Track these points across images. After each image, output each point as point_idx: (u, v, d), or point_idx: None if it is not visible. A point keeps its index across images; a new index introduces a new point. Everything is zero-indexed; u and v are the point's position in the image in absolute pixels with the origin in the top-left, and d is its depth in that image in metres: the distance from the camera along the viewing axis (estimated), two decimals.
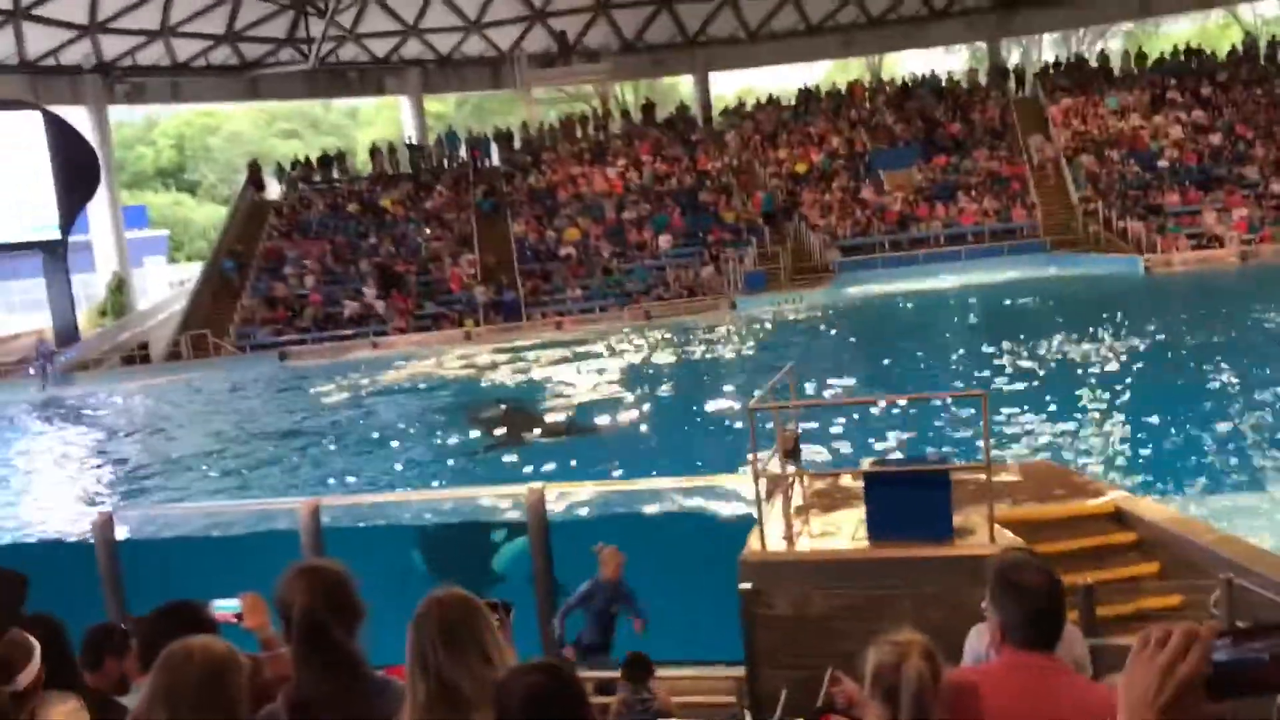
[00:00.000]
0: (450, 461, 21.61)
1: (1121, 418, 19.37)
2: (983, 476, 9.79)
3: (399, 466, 21.53)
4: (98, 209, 47.89)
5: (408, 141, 54.57)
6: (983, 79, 54.78)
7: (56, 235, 43.96)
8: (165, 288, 61.04)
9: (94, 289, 51.03)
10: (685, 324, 36.94)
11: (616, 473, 18.10)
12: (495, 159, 52.48)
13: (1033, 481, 11.92)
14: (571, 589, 10.88)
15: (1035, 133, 48.08)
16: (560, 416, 24.74)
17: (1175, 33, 71.11)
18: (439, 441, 23.58)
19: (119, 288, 48.53)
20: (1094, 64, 54.36)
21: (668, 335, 35.18)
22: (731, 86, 67.34)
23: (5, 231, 43.52)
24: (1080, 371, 23.27)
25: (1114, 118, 47.98)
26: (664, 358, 31.66)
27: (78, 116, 47.26)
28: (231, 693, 3.19)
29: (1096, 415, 19.57)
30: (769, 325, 35.68)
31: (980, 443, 10.06)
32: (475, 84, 60.79)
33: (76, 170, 44.10)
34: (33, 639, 4.18)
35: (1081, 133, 47.52)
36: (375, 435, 24.99)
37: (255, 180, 50.93)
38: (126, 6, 47.64)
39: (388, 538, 15.30)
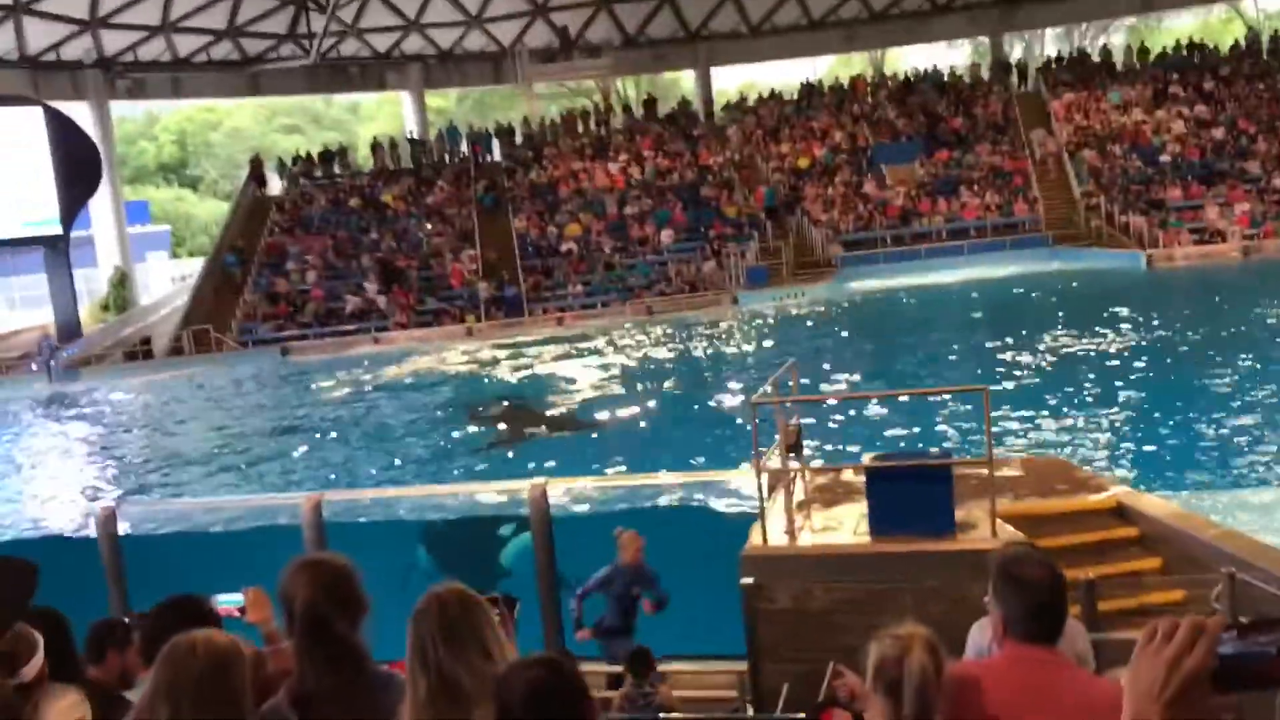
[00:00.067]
0: (453, 457, 21.61)
1: (1123, 413, 19.37)
2: (984, 471, 9.79)
3: (400, 462, 21.54)
4: (99, 204, 47.91)
5: (409, 137, 54.55)
6: (985, 73, 54.73)
7: (58, 230, 43.93)
8: (167, 283, 61.08)
9: (96, 284, 51.05)
10: (687, 319, 36.95)
11: (619, 468, 18.12)
12: (497, 154, 52.45)
13: (1034, 476, 11.91)
14: (575, 583, 10.89)
15: (1037, 127, 48.05)
16: (562, 412, 24.76)
17: (1178, 27, 71.10)
18: (441, 437, 23.59)
19: (121, 283, 48.55)
20: (1096, 58, 54.30)
21: (669, 330, 35.19)
22: (733, 81, 67.50)
23: (7, 227, 43.48)
24: (1082, 366, 23.27)
25: (1116, 112, 47.95)
26: (666, 353, 31.67)
27: (79, 112, 47.27)
28: (235, 686, 3.19)
29: (1098, 410, 19.56)
30: (771, 320, 35.67)
31: (982, 437, 10.06)
32: (476, 79, 60.72)
33: (78, 165, 44.07)
34: (36, 633, 4.19)
35: (1084, 127, 47.49)
36: (377, 431, 25.01)
37: (257, 176, 50.93)
38: (127, 2, 47.65)
39: (391, 533, 15.31)
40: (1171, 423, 18.61)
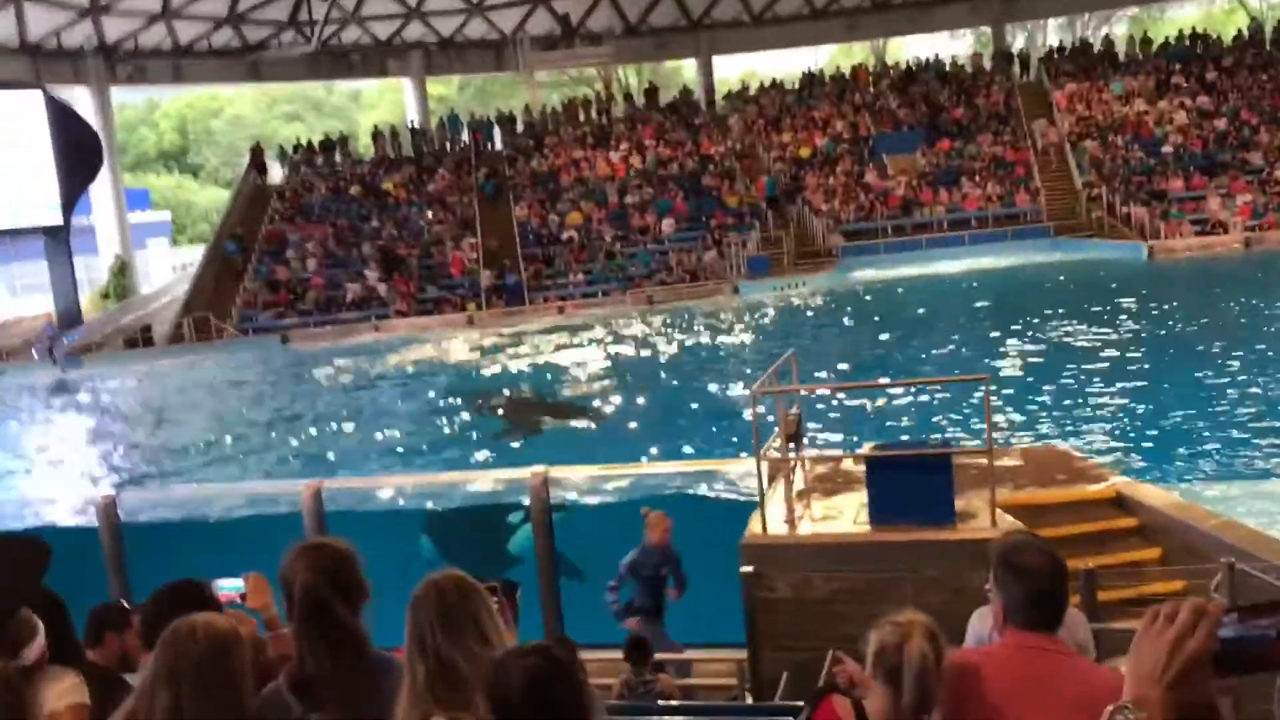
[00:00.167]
0: (454, 446, 21.63)
1: (1124, 403, 19.38)
2: (984, 461, 9.80)
3: (402, 450, 21.57)
4: (100, 192, 47.93)
5: (410, 125, 54.52)
6: (987, 63, 54.65)
7: (58, 218, 43.94)
8: (168, 271, 61.19)
9: (96, 272, 51.10)
10: (688, 309, 36.93)
11: (619, 457, 18.12)
12: (498, 142, 52.43)
13: (1035, 466, 11.92)
14: (580, 569, 10.90)
15: (1039, 117, 48.01)
16: (563, 401, 24.77)
17: (1180, 17, 71.06)
18: (443, 426, 23.60)
19: (121, 271, 48.58)
20: (1099, 49, 54.16)
21: (670, 320, 35.18)
22: (735, 70, 67.34)
23: (7, 214, 43.48)
24: (1082, 357, 23.25)
25: (1118, 103, 47.91)
26: (666, 343, 31.67)
27: (80, 98, 47.29)
28: (235, 670, 3.20)
29: (1099, 400, 19.58)
30: (772, 310, 35.67)
31: (982, 427, 10.06)
32: (478, 67, 60.69)
33: (78, 152, 44.07)
34: (36, 616, 4.20)
35: (1086, 118, 47.46)
36: (378, 419, 25.01)
37: (258, 163, 50.95)
38: None
39: (393, 521, 15.34)
40: (1172, 413, 18.62)
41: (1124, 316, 27.70)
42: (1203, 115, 46.22)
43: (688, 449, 18.03)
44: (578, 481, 14.29)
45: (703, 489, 14.13)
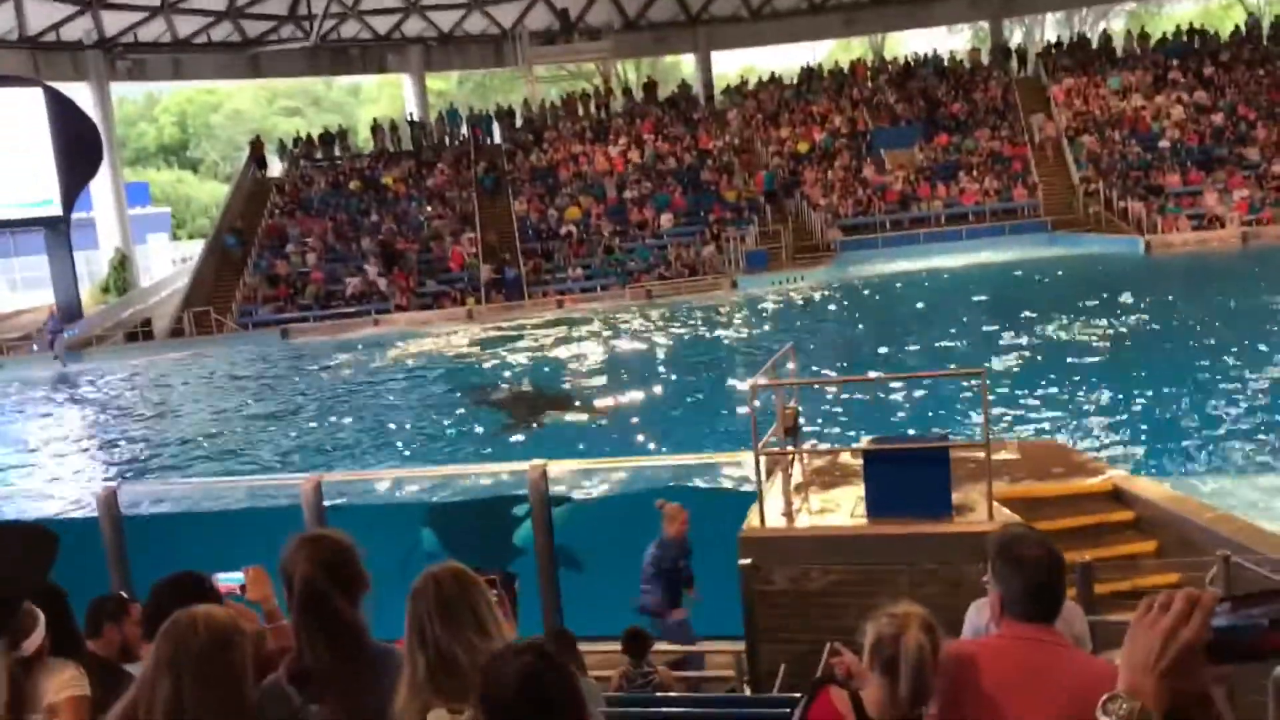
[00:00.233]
0: (454, 439, 21.65)
1: (1120, 397, 19.41)
2: (982, 454, 9.81)
3: (402, 444, 21.58)
4: (100, 186, 47.86)
5: (409, 119, 54.46)
6: (985, 58, 54.63)
7: (59, 212, 43.89)
8: (168, 265, 61.15)
9: (97, 266, 51.08)
10: (686, 303, 36.95)
11: (618, 450, 18.14)
12: (497, 137, 52.39)
13: (1032, 460, 11.95)
14: (580, 561, 10.89)
15: (1037, 112, 47.99)
16: (562, 395, 24.77)
17: (1178, 13, 71.12)
18: (442, 419, 23.63)
19: (122, 264, 48.54)
20: (1096, 44, 54.15)
21: (668, 314, 35.18)
22: (733, 65, 67.37)
23: (7, 208, 43.48)
24: (1079, 351, 23.29)
25: (1116, 98, 47.88)
26: (665, 337, 31.66)
27: (80, 93, 47.20)
28: (235, 661, 3.21)
29: (1096, 394, 19.61)
30: (770, 304, 35.66)
31: (980, 420, 10.08)
32: (477, 62, 60.61)
33: (79, 147, 44.01)
34: (36, 608, 4.21)
35: (1083, 113, 47.45)
36: (378, 413, 25.03)
37: (257, 158, 50.94)
38: None
39: (393, 514, 15.35)
40: (1168, 407, 18.66)
41: (1121, 311, 27.72)
42: (1200, 110, 46.23)
43: (686, 442, 18.03)
44: (577, 475, 14.31)
45: (701, 482, 14.14)
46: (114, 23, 48.59)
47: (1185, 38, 52.46)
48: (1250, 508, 12.12)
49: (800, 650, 8.74)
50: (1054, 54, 53.57)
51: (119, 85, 53.11)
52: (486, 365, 30.10)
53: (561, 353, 29.96)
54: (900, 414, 18.89)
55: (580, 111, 53.73)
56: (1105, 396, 19.47)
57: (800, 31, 58.01)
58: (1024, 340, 24.84)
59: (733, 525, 10.08)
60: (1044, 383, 20.48)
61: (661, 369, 26.87)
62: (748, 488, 11.18)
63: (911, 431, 16.79)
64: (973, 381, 14.62)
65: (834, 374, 22.38)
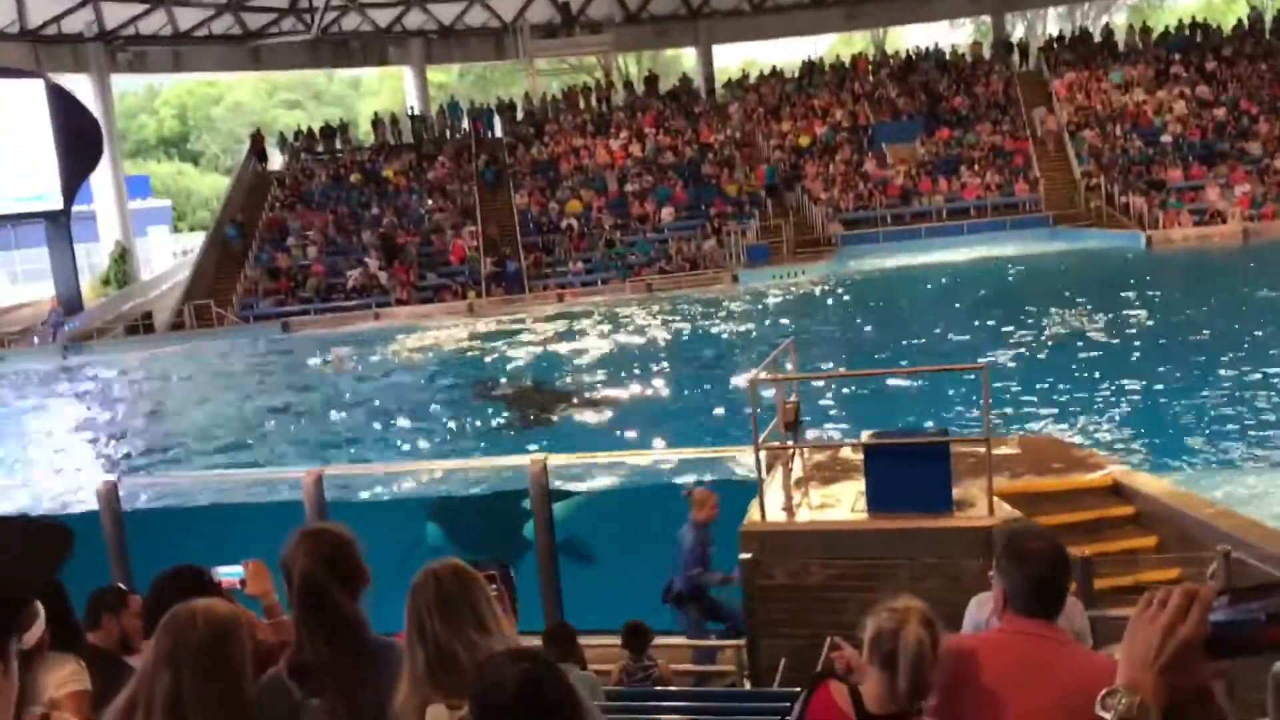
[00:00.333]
0: (453, 432, 21.66)
1: (1121, 392, 19.41)
2: (982, 449, 9.82)
3: (402, 437, 21.59)
4: (100, 178, 47.81)
5: (410, 112, 54.41)
6: (987, 53, 54.53)
7: (59, 205, 43.93)
8: (168, 258, 61.13)
9: (97, 258, 51.07)
10: (687, 297, 36.94)
11: (618, 444, 18.15)
12: (498, 130, 52.33)
13: (1032, 455, 11.96)
14: (589, 555, 10.86)
15: (1039, 107, 47.94)
16: (562, 389, 24.78)
17: (1180, 7, 70.97)
18: (444, 413, 23.66)
19: (122, 257, 48.52)
20: (1098, 38, 54.09)
21: (669, 308, 35.18)
22: (735, 59, 67.17)
23: (8, 201, 43.49)
24: (1080, 346, 23.30)
25: (1117, 92, 47.84)
26: (665, 331, 31.67)
27: (80, 85, 47.18)
28: (235, 655, 3.21)
29: (1096, 390, 19.62)
30: (771, 298, 35.65)
31: (980, 415, 10.09)
32: (478, 55, 60.58)
33: (79, 139, 44.03)
34: (36, 601, 4.21)
35: (1085, 107, 47.39)
36: (379, 406, 25.03)
37: (258, 150, 50.90)
38: None
39: (394, 507, 15.37)
40: (1169, 402, 18.67)
41: (1122, 306, 27.70)
42: (1202, 105, 46.19)
43: (686, 437, 18.04)
44: (578, 468, 14.31)
45: (701, 476, 14.14)
46: (114, 15, 48.53)
47: (1187, 32, 52.37)
48: (1250, 503, 12.13)
49: (800, 645, 8.76)
50: (1056, 48, 53.47)
51: (119, 78, 53.03)
52: (487, 359, 30.09)
53: (562, 346, 29.95)
54: (901, 409, 18.89)
55: (581, 105, 53.69)
56: (1106, 391, 19.47)
57: (801, 25, 57.93)
58: (1024, 335, 24.85)
59: (732, 519, 10.09)
60: (1044, 378, 20.49)
61: (662, 363, 26.87)
62: (748, 481, 11.18)
63: (910, 425, 16.81)
64: (973, 376, 14.62)
65: (835, 368, 22.37)
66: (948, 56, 54.01)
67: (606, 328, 32.56)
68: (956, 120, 48.17)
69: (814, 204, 44.18)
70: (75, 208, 45.24)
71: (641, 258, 41.34)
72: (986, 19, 60.83)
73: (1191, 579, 8.68)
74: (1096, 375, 20.56)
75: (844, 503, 10.21)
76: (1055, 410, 18.45)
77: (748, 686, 9.46)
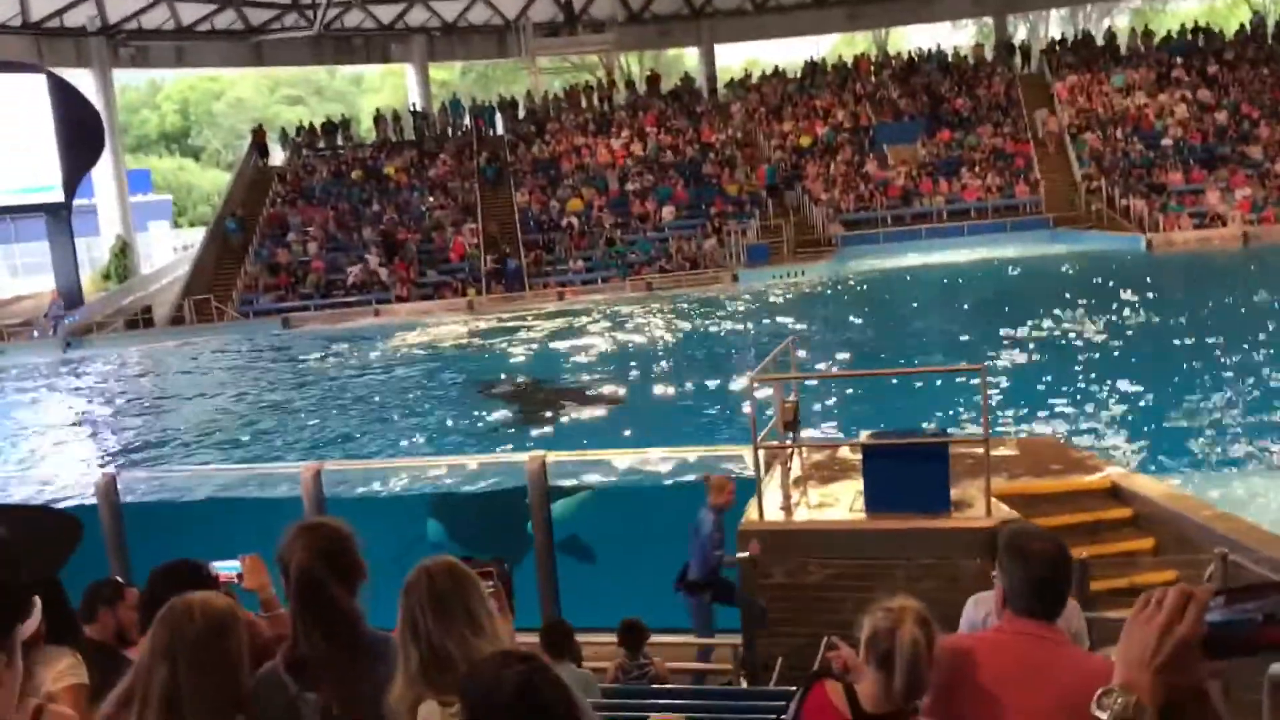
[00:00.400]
0: (452, 429, 21.65)
1: (1120, 395, 19.41)
2: (980, 450, 9.83)
3: (401, 434, 21.57)
4: (102, 173, 47.84)
5: (412, 109, 54.42)
6: (989, 54, 54.55)
7: (60, 198, 43.94)
8: (169, 252, 61.11)
9: (98, 253, 51.08)
10: (687, 296, 36.93)
11: (617, 443, 18.13)
12: (499, 128, 52.35)
13: (1030, 456, 11.96)
14: (591, 552, 10.84)
15: (1040, 109, 47.93)
16: (562, 387, 24.77)
17: (1182, 10, 70.96)
18: (444, 410, 23.64)
19: (123, 252, 48.52)
20: (1100, 41, 54.09)
21: (669, 307, 35.17)
22: (737, 58, 67.21)
23: (9, 194, 43.48)
24: (1080, 348, 23.30)
25: (1119, 95, 47.84)
26: (666, 330, 31.66)
27: (82, 79, 47.16)
28: (232, 648, 3.22)
29: (1095, 392, 19.62)
30: (771, 298, 35.64)
31: (979, 416, 10.08)
32: (480, 52, 60.60)
33: (81, 134, 44.02)
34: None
35: (1086, 110, 47.40)
36: (378, 402, 25.03)
37: (259, 146, 50.90)
38: None
39: (393, 503, 15.36)
40: (1167, 405, 18.66)
41: (1122, 309, 27.70)
42: (1203, 109, 46.18)
43: (685, 435, 18.04)
44: (576, 466, 14.31)
45: (699, 475, 14.14)
46: (117, 9, 48.52)
47: (1189, 36, 52.36)
48: (1249, 506, 12.13)
49: (797, 643, 8.76)
50: (1058, 50, 53.49)
51: (121, 72, 52.97)
52: (487, 356, 30.10)
53: (561, 345, 29.94)
54: (899, 409, 18.88)
55: (583, 103, 53.70)
56: (1104, 394, 19.47)
57: (804, 25, 57.95)
58: (1024, 337, 24.84)
59: (731, 518, 10.08)
60: (1043, 379, 20.50)
61: (661, 362, 26.87)
62: (746, 480, 11.18)
63: (907, 425, 16.82)
64: (972, 378, 14.62)
65: (834, 368, 22.37)
66: (950, 58, 54.01)
67: (606, 326, 32.55)
68: (958, 122, 48.18)
69: (814, 204, 44.18)
70: (76, 201, 45.25)
71: (642, 256, 41.34)
72: (989, 21, 60.86)
73: (1189, 581, 8.67)
74: (1095, 377, 20.56)
75: (842, 502, 10.21)
76: (1054, 412, 18.45)
77: (744, 685, 9.46)
